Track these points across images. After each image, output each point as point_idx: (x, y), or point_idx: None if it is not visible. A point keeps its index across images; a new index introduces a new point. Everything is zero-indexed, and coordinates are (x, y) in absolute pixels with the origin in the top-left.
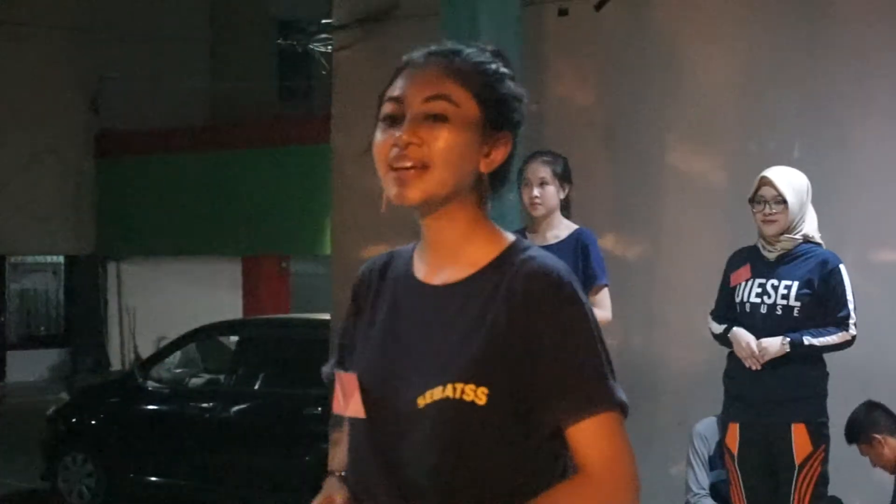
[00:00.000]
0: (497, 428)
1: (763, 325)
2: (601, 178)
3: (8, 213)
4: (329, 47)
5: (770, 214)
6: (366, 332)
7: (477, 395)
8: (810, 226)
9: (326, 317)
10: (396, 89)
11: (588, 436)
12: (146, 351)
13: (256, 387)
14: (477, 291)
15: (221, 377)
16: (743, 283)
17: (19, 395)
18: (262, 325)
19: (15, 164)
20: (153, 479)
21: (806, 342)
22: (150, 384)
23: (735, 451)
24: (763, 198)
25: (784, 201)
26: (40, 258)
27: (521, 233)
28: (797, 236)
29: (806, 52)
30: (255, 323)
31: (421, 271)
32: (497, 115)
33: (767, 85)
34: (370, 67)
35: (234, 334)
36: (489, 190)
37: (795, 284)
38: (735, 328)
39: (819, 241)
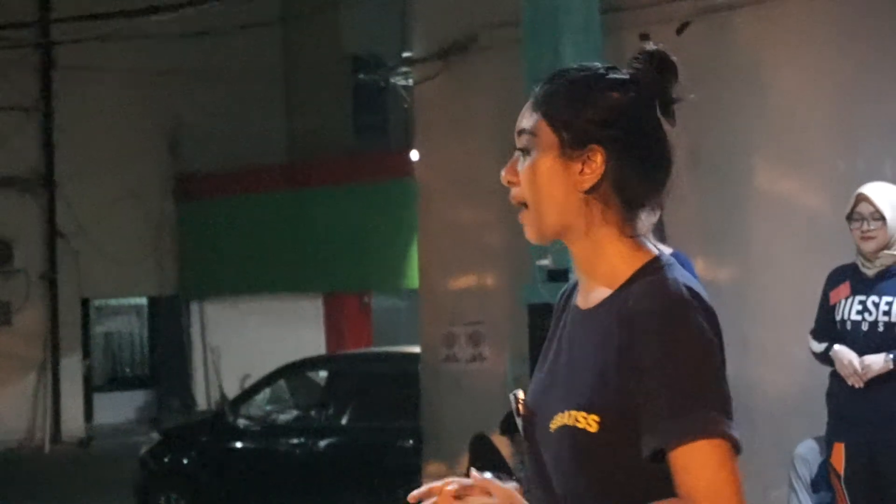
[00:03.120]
0: (609, 455)
1: (865, 342)
2: (687, 202)
3: (91, 257)
4: (409, 81)
5: (868, 231)
6: (543, 355)
7: (588, 422)
8: None
9: (414, 349)
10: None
11: (686, 463)
12: (231, 390)
13: (347, 421)
14: (604, 316)
15: (312, 413)
16: (843, 301)
17: (106, 438)
18: (351, 359)
19: (97, 209)
20: None
21: None
22: (241, 422)
23: (842, 472)
24: (860, 214)
25: (882, 217)
26: (123, 300)
27: None
28: None
29: (894, 69)
30: (344, 358)
31: (579, 296)
32: (577, 133)
33: (856, 103)
34: (451, 100)
35: (322, 370)
36: (612, 207)
37: None
38: (837, 346)
39: None
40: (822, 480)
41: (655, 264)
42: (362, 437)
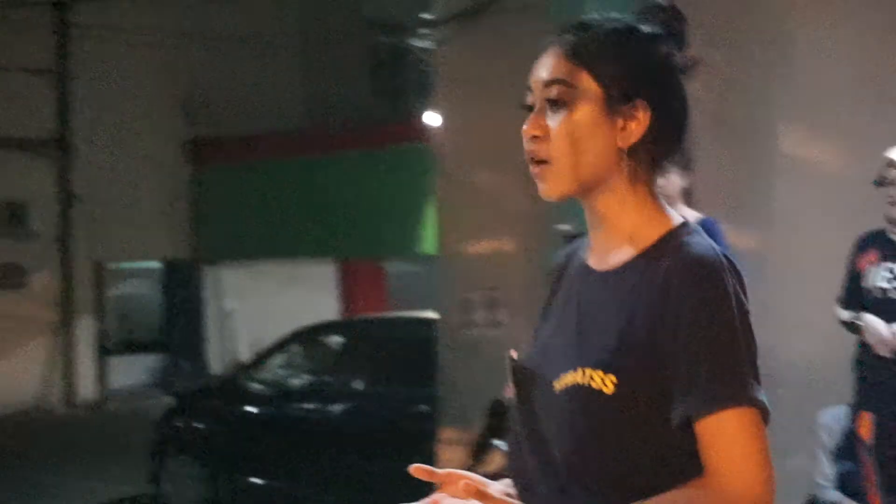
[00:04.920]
0: (624, 417)
1: (893, 310)
2: (710, 166)
3: (105, 221)
4: (429, 43)
5: None
6: (544, 316)
7: (605, 383)
8: None
9: (430, 315)
10: (531, 76)
11: (715, 432)
12: (245, 354)
13: (362, 387)
14: (628, 278)
15: (326, 378)
16: (871, 268)
17: (120, 401)
18: (366, 324)
19: (112, 172)
20: (259, 481)
21: None
22: (255, 386)
23: (869, 442)
24: (890, 180)
25: None
26: (138, 264)
27: None
28: None
29: None
30: (359, 322)
31: (591, 257)
32: (622, 87)
33: (883, 65)
34: (472, 63)
35: (337, 334)
36: (645, 164)
37: None
38: (865, 314)
39: None
40: (845, 449)
41: (685, 229)
42: (376, 402)
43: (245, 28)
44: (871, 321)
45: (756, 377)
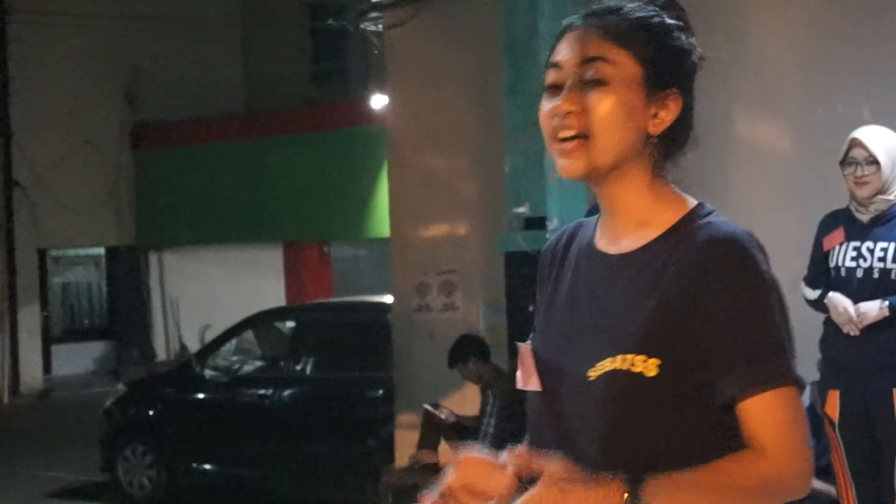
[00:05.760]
0: (667, 401)
1: (859, 289)
2: None
3: (47, 208)
4: (379, 26)
5: (862, 177)
6: (549, 303)
7: (647, 366)
8: None
9: (383, 299)
10: (556, 55)
11: (761, 411)
12: (191, 340)
13: (315, 372)
14: (651, 260)
15: (280, 363)
16: (837, 248)
17: (65, 389)
18: (319, 309)
19: (53, 158)
20: (214, 468)
21: None
22: (208, 373)
23: (836, 419)
24: (854, 159)
25: (876, 162)
26: (81, 251)
27: (594, 210)
28: (891, 197)
29: (873, 14)
30: (312, 308)
31: (601, 241)
32: (660, 72)
33: (834, 48)
34: (424, 46)
35: (290, 320)
36: (664, 152)
37: (892, 246)
38: (831, 293)
39: None
40: (812, 427)
41: (704, 210)
42: (330, 387)
43: (186, 11)
44: (838, 300)
45: (794, 353)
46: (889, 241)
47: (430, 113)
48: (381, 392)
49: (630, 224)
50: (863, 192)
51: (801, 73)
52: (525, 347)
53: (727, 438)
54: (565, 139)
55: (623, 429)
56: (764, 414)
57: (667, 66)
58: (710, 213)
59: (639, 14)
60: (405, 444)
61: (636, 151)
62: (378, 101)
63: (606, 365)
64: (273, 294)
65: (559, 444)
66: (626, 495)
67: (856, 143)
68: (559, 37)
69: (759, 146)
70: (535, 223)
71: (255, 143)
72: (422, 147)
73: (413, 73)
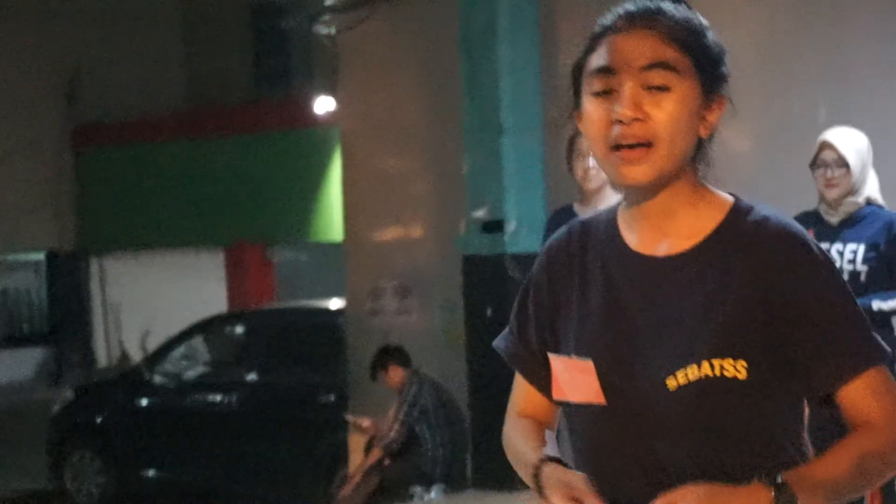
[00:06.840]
0: (758, 401)
1: None
2: None
3: None
4: (332, 29)
5: (832, 178)
6: (577, 310)
7: (737, 369)
8: (872, 187)
9: (333, 304)
10: (604, 59)
11: (866, 392)
12: (132, 346)
13: (265, 377)
14: (711, 260)
15: (229, 369)
16: None
17: (5, 395)
18: (269, 314)
19: None
20: (164, 474)
21: (875, 307)
22: (157, 379)
23: (806, 419)
24: (824, 161)
25: (846, 164)
26: (21, 256)
27: (569, 208)
28: (860, 199)
29: (829, 13)
30: (262, 313)
31: (634, 242)
32: (712, 76)
33: (790, 47)
34: (377, 48)
35: (239, 325)
36: (706, 153)
37: (861, 248)
38: None
39: (882, 203)
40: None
41: (746, 205)
42: (280, 392)
43: (125, 9)
44: None
45: (871, 326)
46: (858, 242)
47: (385, 114)
48: (332, 397)
49: (671, 225)
50: (832, 194)
51: (757, 71)
52: (578, 361)
53: (799, 424)
54: (630, 146)
55: (716, 436)
56: (868, 395)
57: (717, 69)
58: (754, 207)
59: (680, 15)
60: (358, 449)
61: (690, 156)
62: (323, 103)
63: (692, 373)
64: (215, 298)
65: (631, 459)
66: (771, 496)
67: (826, 146)
68: (596, 40)
69: (714, 144)
70: (493, 226)
71: (195, 143)
72: (376, 149)
73: (368, 74)
